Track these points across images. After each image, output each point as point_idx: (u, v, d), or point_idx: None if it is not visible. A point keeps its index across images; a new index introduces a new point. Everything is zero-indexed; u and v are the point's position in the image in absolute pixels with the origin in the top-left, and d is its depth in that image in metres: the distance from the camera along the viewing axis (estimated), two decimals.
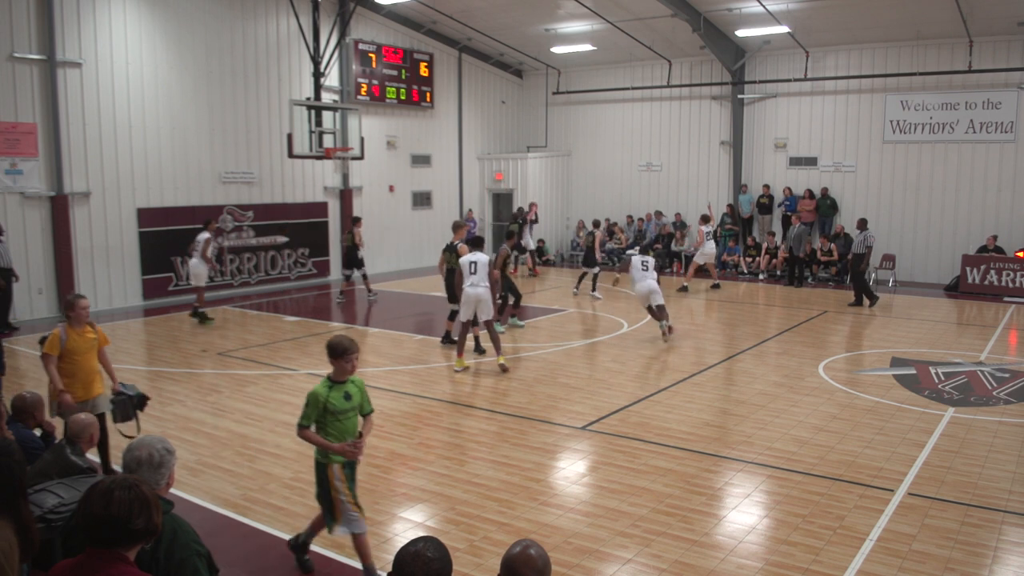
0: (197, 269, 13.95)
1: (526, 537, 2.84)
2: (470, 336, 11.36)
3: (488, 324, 10.92)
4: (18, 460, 3.10)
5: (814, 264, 19.77)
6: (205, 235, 13.94)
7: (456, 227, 12.32)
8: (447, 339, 12.24)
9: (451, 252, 11.90)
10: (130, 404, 6.62)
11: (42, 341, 6.49)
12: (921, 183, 19.30)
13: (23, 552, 2.86)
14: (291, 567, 5.37)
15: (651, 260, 13.02)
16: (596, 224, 17.90)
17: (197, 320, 14.04)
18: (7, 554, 2.17)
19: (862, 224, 16.01)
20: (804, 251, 18.96)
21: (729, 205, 21.73)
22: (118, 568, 2.52)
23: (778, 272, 19.96)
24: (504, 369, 10.60)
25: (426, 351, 12.03)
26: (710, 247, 18.16)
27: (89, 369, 6.58)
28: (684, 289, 17.71)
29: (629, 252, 21.95)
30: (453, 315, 11.93)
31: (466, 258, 10.96)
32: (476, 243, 11.52)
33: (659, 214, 22.67)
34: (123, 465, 3.27)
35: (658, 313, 12.62)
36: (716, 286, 18.28)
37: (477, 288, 10.72)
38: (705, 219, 18.24)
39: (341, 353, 4.98)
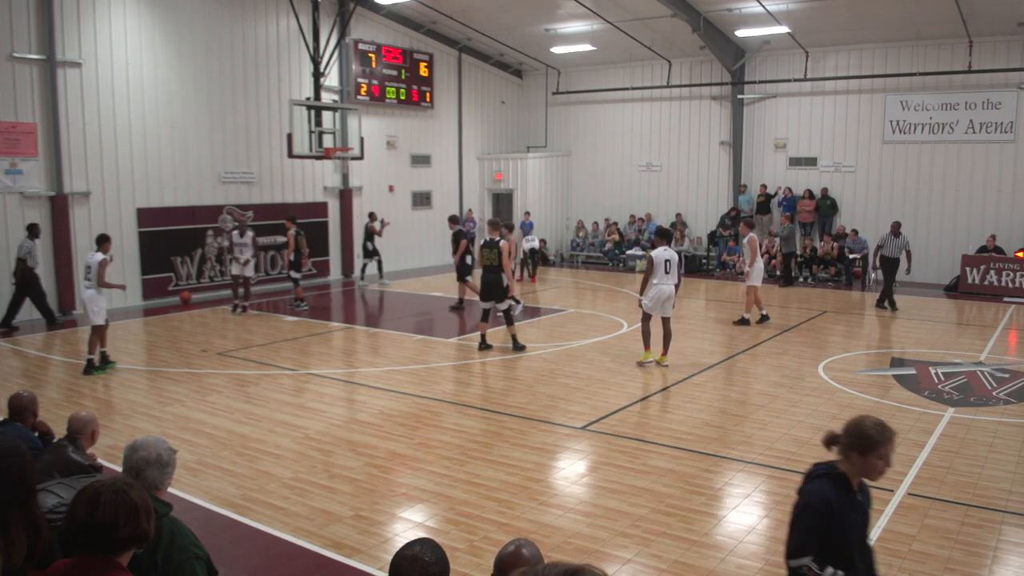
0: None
1: (523, 537, 2.82)
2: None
3: (667, 321, 10.94)
4: (27, 460, 3.10)
5: (814, 264, 19.78)
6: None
7: (493, 225, 12.01)
8: (484, 344, 11.84)
9: (491, 248, 11.63)
10: None
11: None
12: (921, 183, 19.30)
13: (33, 551, 2.86)
14: (290, 567, 5.36)
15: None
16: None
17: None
18: None
19: (896, 227, 15.38)
20: (793, 250, 18.85)
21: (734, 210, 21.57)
22: (112, 574, 2.50)
23: (777, 272, 19.95)
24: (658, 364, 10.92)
25: (426, 351, 12.02)
26: (760, 265, 14.01)
27: None
28: (744, 321, 13.97)
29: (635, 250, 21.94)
30: (486, 315, 11.78)
31: (660, 255, 10.73)
32: (666, 235, 11.26)
33: (683, 224, 22.31)
34: (130, 467, 3.25)
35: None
36: (764, 318, 13.98)
37: (669, 286, 10.77)
38: (751, 224, 14.13)
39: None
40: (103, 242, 10.76)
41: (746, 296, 14.14)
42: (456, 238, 15.20)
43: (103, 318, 10.59)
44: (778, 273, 19.73)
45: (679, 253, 11.71)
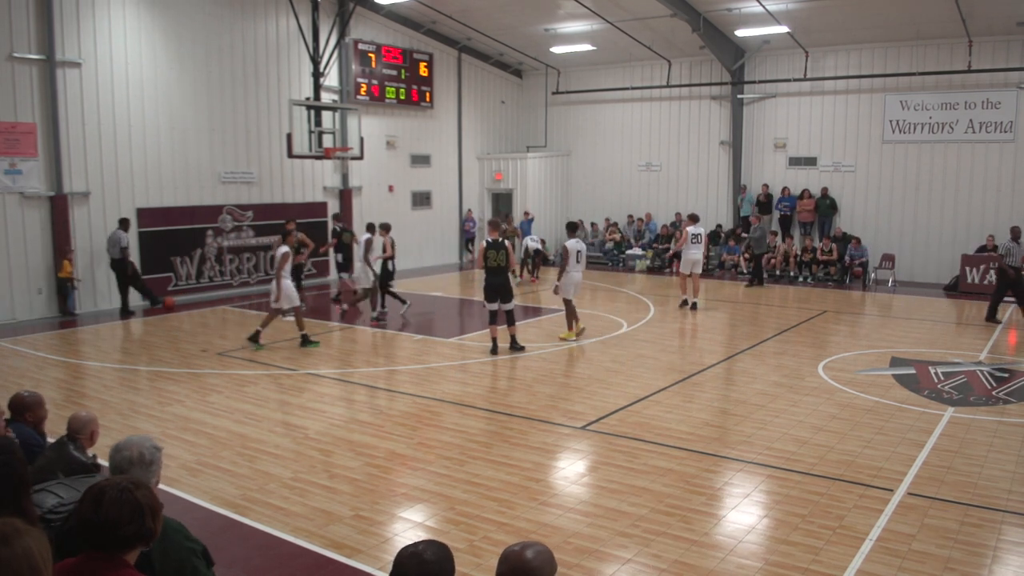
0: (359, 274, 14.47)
1: (531, 539, 2.79)
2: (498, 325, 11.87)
3: (569, 301, 12.45)
4: (19, 457, 3.10)
5: (814, 264, 19.78)
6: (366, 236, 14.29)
7: (494, 225, 12.00)
8: (496, 348, 11.61)
9: (496, 250, 11.49)
10: None
11: None
12: (921, 183, 19.31)
13: None
14: (290, 567, 5.36)
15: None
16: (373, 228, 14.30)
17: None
18: (46, 560, 2.12)
19: (1017, 233, 14.17)
20: (764, 250, 18.80)
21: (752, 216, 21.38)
22: (118, 572, 2.51)
23: (778, 272, 19.95)
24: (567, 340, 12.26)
25: (426, 351, 12.02)
26: (694, 253, 15.33)
27: None
28: (689, 305, 15.30)
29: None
30: (494, 317, 11.66)
31: (574, 246, 12.30)
32: (575, 228, 12.99)
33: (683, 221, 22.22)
34: (113, 466, 3.24)
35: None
36: (686, 303, 15.41)
37: (579, 273, 12.43)
38: (694, 218, 16.04)
39: None
40: (287, 236, 11.61)
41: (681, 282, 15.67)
42: (334, 235, 16.33)
43: (288, 303, 11.89)
44: (746, 271, 19.71)
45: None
